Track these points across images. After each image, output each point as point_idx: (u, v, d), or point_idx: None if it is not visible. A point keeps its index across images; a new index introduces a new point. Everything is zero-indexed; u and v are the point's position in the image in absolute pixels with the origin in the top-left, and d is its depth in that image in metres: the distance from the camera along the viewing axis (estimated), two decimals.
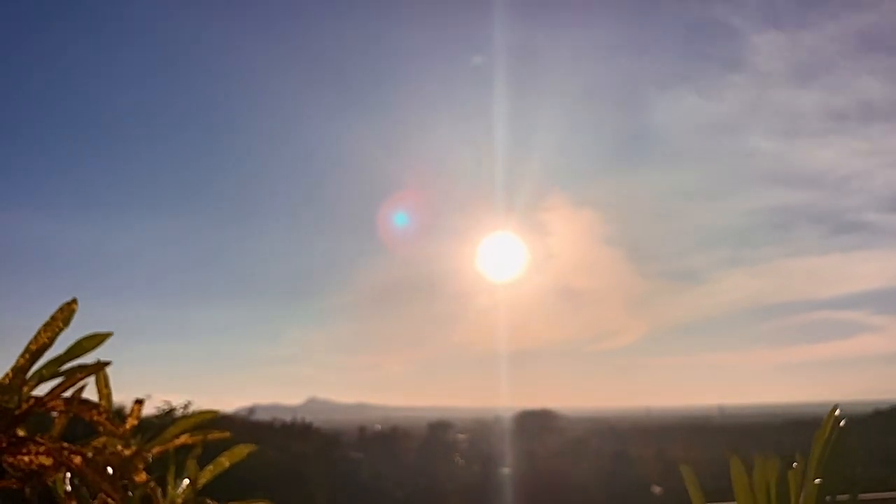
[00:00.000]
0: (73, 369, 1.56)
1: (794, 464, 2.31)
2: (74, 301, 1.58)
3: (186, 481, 2.01)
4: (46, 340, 1.56)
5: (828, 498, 2.30)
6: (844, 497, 2.35)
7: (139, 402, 1.99)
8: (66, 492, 1.76)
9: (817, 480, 2.25)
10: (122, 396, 2.21)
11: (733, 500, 2.50)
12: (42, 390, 1.69)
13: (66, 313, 1.57)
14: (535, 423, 27.98)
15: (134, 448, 1.93)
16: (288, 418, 27.88)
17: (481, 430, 31.47)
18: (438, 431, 28.93)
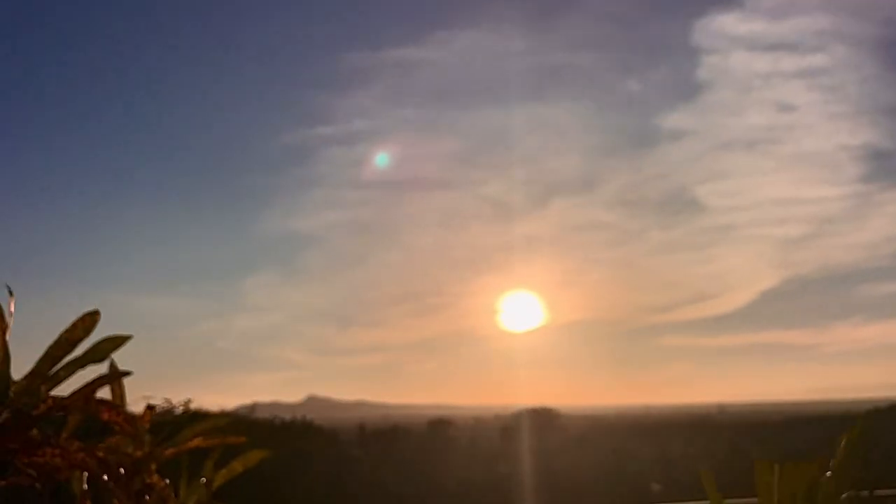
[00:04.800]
0: (95, 379, 1.57)
1: (828, 473, 2.21)
2: (97, 311, 1.59)
3: (200, 482, 2.02)
4: (66, 347, 1.57)
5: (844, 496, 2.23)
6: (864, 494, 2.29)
7: (151, 407, 2.00)
8: (82, 491, 1.77)
9: (845, 496, 2.17)
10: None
11: (734, 498, 2.48)
12: (59, 390, 1.71)
13: (87, 323, 1.58)
14: (534, 421, 28.00)
15: (147, 449, 1.94)
16: (288, 416, 27.91)
17: (481, 429, 31.51)
18: (438, 429, 28.96)
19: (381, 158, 40.20)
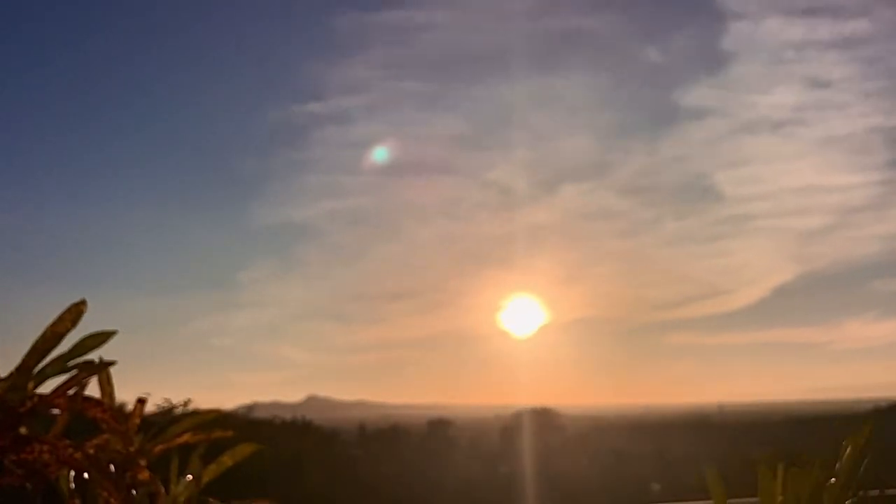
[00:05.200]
0: (78, 367, 1.58)
1: (833, 479, 2.15)
2: (83, 302, 1.59)
3: (189, 478, 2.03)
4: (53, 340, 1.57)
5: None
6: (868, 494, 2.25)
7: (141, 400, 2.01)
8: (70, 489, 1.77)
9: (849, 503, 2.12)
10: (119, 393, 2.19)
11: (734, 498, 2.48)
12: (45, 387, 1.71)
13: (73, 314, 1.58)
14: (534, 421, 28.00)
15: (136, 446, 1.95)
16: (288, 416, 27.93)
17: (481, 428, 31.51)
18: (438, 429, 28.98)
19: (380, 153, 37.73)
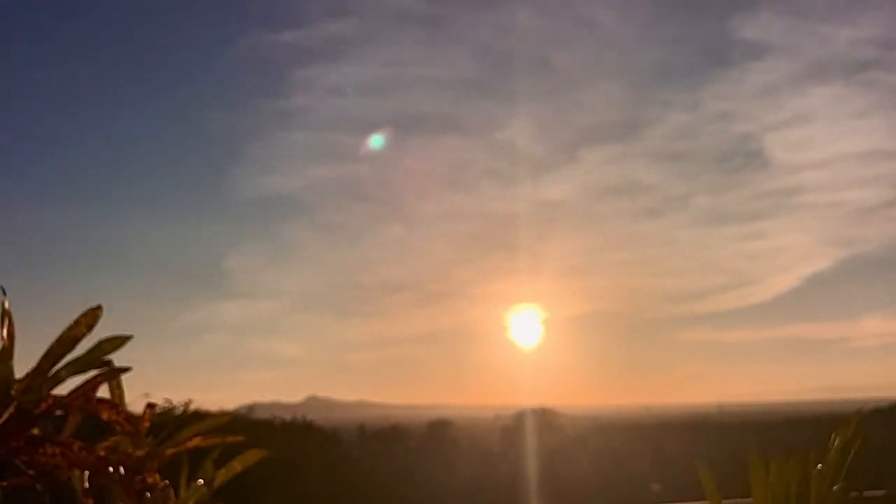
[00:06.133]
0: (98, 369, 1.58)
1: (819, 465, 2.24)
2: (99, 307, 1.60)
3: (199, 482, 2.04)
4: (69, 344, 1.58)
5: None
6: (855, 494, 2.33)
7: (151, 405, 2.02)
8: (83, 489, 1.78)
9: (836, 487, 2.20)
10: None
11: (733, 498, 2.50)
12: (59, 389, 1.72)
13: (90, 318, 1.59)
14: (534, 422, 27.98)
15: (147, 448, 1.95)
16: (288, 416, 27.92)
17: (481, 429, 31.51)
18: (438, 430, 28.98)
19: (377, 140, 32.36)
